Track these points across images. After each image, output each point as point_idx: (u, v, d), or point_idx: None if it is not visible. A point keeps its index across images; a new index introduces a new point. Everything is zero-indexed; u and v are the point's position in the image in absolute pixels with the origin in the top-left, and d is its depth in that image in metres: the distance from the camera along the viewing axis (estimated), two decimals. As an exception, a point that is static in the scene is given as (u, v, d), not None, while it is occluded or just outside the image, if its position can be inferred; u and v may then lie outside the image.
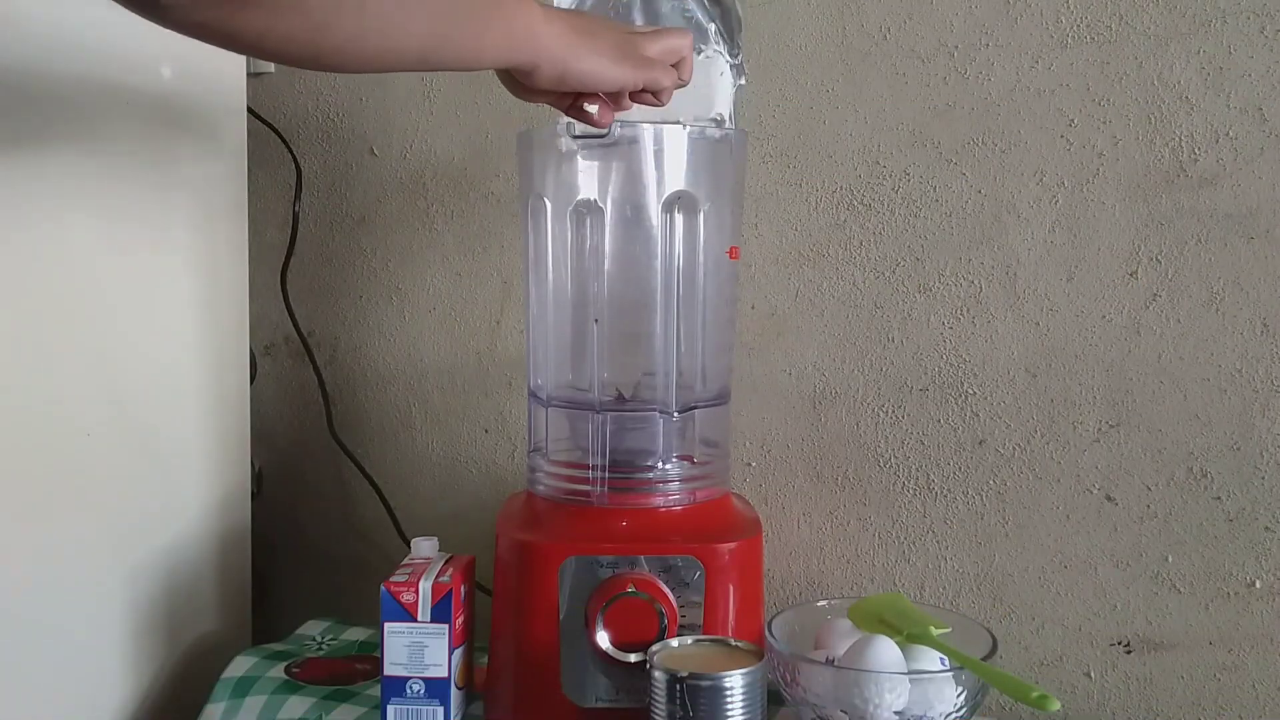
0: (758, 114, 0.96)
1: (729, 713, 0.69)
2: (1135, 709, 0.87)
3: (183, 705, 0.97)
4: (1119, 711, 0.87)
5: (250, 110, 1.06)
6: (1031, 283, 0.88)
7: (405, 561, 0.87)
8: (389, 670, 0.82)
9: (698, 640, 0.76)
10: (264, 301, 1.13)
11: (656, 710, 0.71)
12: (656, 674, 0.70)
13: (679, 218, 0.83)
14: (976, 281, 0.90)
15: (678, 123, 0.82)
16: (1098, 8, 0.85)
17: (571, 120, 0.78)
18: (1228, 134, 0.82)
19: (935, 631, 0.77)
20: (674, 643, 0.75)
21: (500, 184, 1.07)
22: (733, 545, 0.80)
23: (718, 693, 0.69)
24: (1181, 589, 0.85)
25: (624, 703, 0.78)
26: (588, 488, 0.82)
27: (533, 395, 0.88)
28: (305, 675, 0.92)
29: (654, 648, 0.74)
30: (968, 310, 0.90)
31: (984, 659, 0.76)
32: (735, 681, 0.69)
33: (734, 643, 0.75)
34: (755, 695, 0.70)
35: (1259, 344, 0.82)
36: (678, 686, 0.69)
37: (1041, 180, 0.87)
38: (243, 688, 0.90)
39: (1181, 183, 0.83)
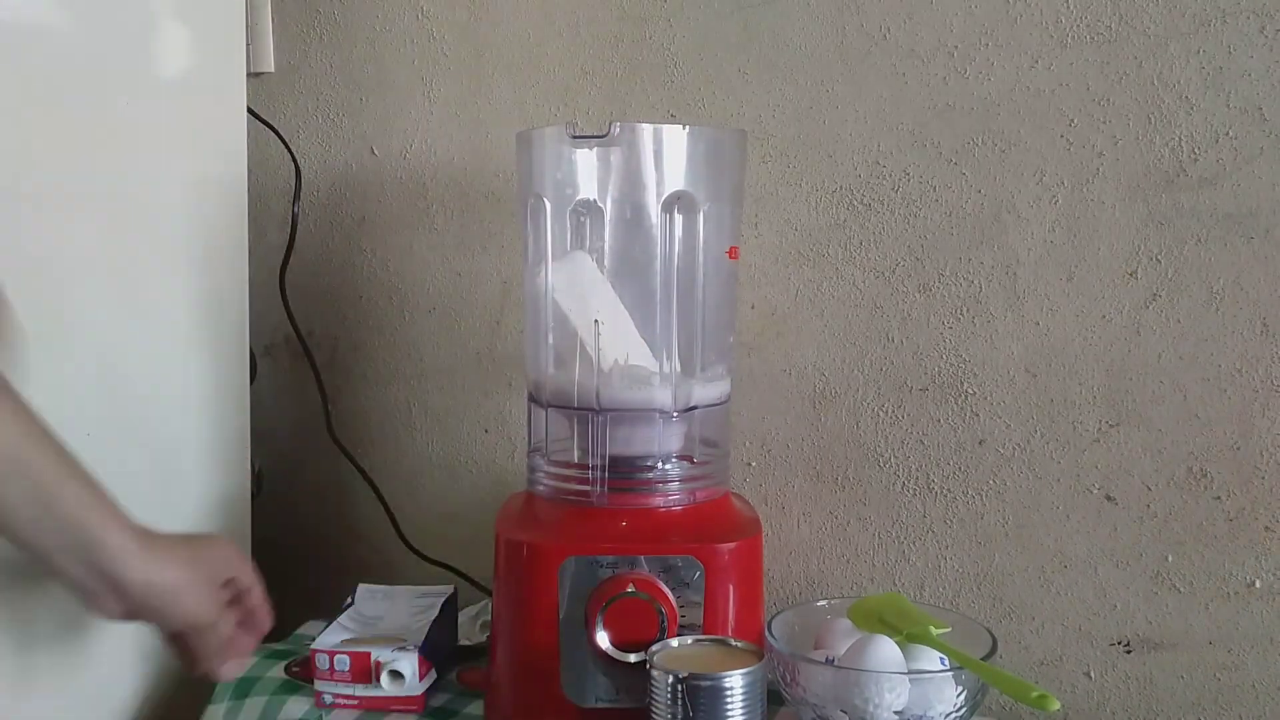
0: (757, 114, 0.96)
1: (729, 713, 0.70)
2: (1135, 709, 0.87)
3: (183, 705, 0.97)
4: (1119, 711, 0.87)
5: (250, 111, 1.06)
6: (1031, 282, 0.88)
7: None
8: None
9: (698, 640, 0.76)
10: (264, 302, 1.13)
11: (657, 710, 0.71)
12: (657, 674, 0.71)
13: (678, 218, 0.83)
14: (976, 281, 0.90)
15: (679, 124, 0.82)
16: (1098, 7, 0.85)
17: (571, 120, 0.78)
18: (1228, 134, 0.82)
19: (935, 631, 0.77)
20: (674, 643, 0.75)
21: (500, 184, 1.07)
22: (733, 545, 0.80)
23: (718, 693, 0.69)
24: (1181, 589, 0.85)
25: (624, 703, 0.78)
26: (587, 488, 0.82)
27: (532, 396, 0.88)
28: (306, 675, 0.92)
29: (654, 648, 0.74)
30: (968, 310, 0.90)
31: (984, 659, 0.76)
32: (736, 681, 0.70)
33: (734, 643, 0.75)
34: (755, 695, 0.70)
35: (1259, 344, 0.82)
36: (678, 686, 0.69)
37: (1041, 180, 0.87)
38: (243, 688, 0.90)
39: (1181, 182, 0.83)
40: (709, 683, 0.69)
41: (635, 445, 0.83)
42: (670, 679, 0.70)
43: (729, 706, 0.69)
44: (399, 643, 0.87)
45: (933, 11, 0.90)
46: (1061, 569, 0.89)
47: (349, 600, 0.92)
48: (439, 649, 0.89)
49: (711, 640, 0.76)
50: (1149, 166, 0.84)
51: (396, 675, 0.88)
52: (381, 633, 0.86)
